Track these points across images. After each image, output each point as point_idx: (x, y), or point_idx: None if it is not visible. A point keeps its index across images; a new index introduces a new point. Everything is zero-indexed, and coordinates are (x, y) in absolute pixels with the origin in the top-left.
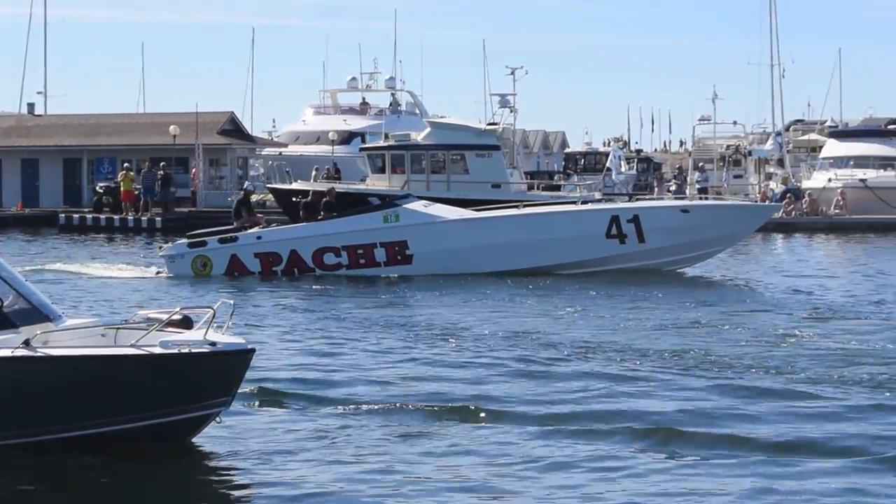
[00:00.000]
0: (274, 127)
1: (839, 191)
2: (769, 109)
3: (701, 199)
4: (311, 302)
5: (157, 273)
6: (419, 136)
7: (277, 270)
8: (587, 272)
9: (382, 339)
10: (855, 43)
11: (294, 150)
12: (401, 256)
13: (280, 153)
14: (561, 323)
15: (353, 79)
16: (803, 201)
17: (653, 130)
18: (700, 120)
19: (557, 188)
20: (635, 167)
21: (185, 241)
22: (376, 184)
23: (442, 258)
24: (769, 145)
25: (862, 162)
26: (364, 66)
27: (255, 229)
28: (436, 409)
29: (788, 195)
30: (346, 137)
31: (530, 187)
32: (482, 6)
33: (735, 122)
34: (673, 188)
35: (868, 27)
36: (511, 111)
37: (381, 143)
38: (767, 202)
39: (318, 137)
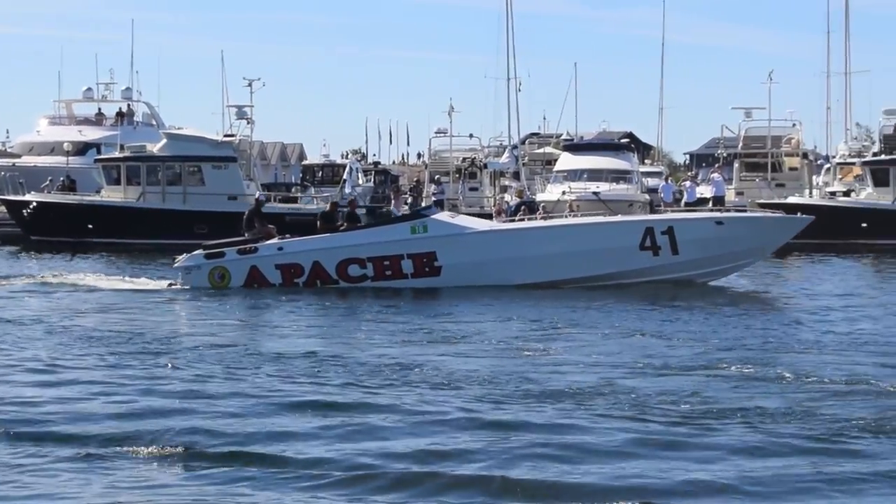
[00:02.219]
0: (7, 137)
1: (573, 203)
2: (505, 122)
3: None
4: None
5: (170, 285)
6: (155, 148)
7: (299, 282)
8: (612, 285)
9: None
10: (590, 58)
11: (28, 160)
12: (429, 268)
13: (13, 164)
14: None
15: (89, 89)
16: (538, 214)
17: (391, 143)
18: (436, 133)
19: (294, 200)
20: (373, 179)
21: (201, 251)
22: (111, 195)
23: (472, 270)
24: (505, 158)
25: (595, 175)
26: (100, 76)
27: (275, 240)
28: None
29: (523, 208)
30: (82, 148)
31: (267, 199)
32: (220, 18)
33: (471, 135)
34: (409, 200)
35: (602, 43)
36: (248, 123)
37: (117, 154)
38: (503, 215)
39: (53, 148)
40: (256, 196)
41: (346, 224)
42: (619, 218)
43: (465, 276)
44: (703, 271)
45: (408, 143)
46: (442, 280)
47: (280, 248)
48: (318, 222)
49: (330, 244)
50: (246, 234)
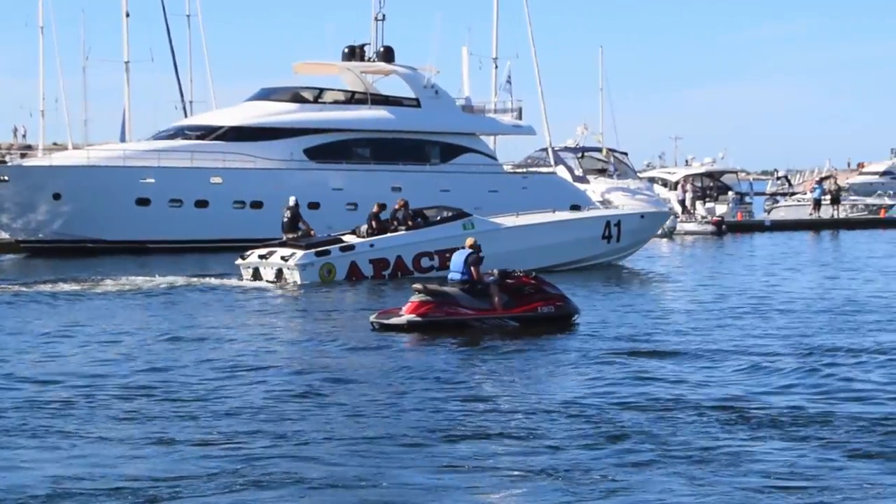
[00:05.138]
0: None
1: None
2: None
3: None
4: None
5: (280, 281)
6: None
7: (385, 274)
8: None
9: None
10: None
11: None
12: None
13: None
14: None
15: None
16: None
17: None
18: None
19: None
20: None
21: (312, 251)
22: None
23: (505, 259)
24: None
25: None
26: None
27: (356, 238)
28: None
29: None
30: None
31: None
32: None
33: None
34: None
35: None
36: None
37: None
38: None
39: None
40: (295, 200)
41: (415, 222)
42: (590, 214)
43: (500, 263)
44: (626, 254)
45: None
46: (484, 268)
47: (372, 245)
48: (372, 222)
49: (408, 241)
50: (287, 236)
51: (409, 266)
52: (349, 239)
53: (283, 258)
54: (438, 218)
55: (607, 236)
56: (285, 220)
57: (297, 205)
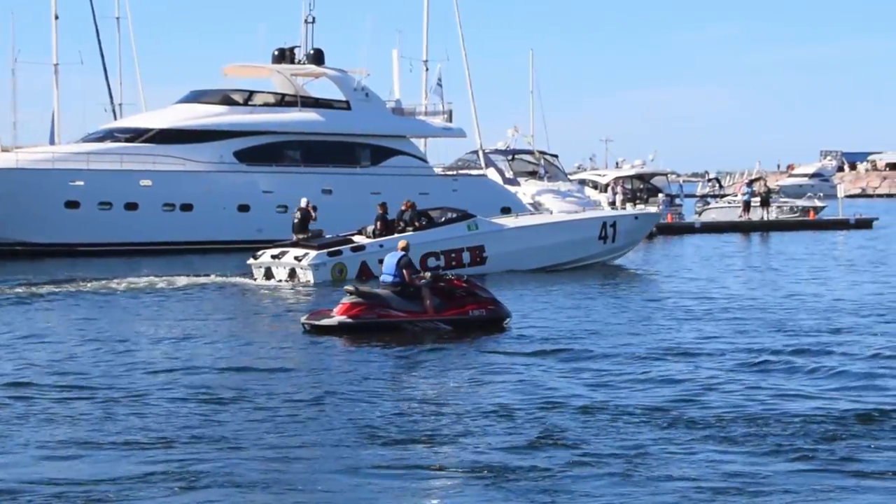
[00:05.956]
0: None
1: None
2: None
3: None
4: None
5: (293, 280)
6: None
7: None
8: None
9: None
10: None
11: None
12: (479, 258)
13: None
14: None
15: None
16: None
17: None
18: None
19: None
20: None
21: (324, 251)
22: None
23: (507, 259)
24: None
25: None
26: None
27: (364, 238)
28: None
29: None
30: None
31: None
32: None
33: None
34: None
35: None
36: None
37: None
38: None
39: None
40: (307, 201)
41: (421, 223)
42: (587, 214)
43: (503, 263)
44: (621, 253)
45: None
46: (487, 267)
47: (381, 245)
48: (379, 222)
49: (416, 241)
50: (298, 236)
51: (415, 265)
52: (358, 239)
53: (296, 258)
54: (443, 219)
55: (603, 237)
56: (295, 220)
57: (307, 206)
